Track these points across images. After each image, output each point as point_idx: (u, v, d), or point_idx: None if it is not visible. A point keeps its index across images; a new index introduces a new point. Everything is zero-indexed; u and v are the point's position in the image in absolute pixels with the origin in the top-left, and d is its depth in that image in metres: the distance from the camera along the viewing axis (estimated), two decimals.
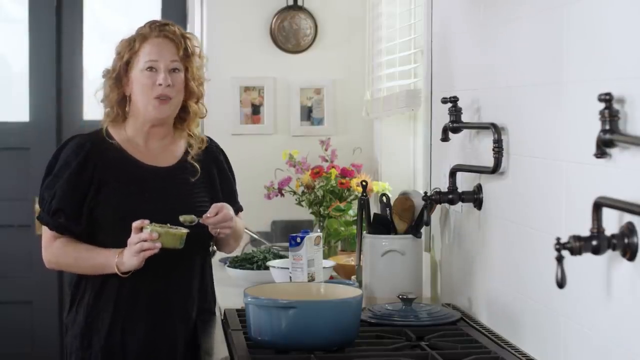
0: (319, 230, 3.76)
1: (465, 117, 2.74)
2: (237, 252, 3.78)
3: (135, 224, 2.60)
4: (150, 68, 2.74)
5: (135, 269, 2.63)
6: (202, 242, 2.83)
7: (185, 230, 2.65)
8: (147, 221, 2.61)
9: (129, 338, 2.72)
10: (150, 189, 2.75)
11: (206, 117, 2.97)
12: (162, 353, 2.75)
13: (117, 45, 2.83)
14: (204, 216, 2.69)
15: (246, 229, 3.90)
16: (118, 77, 2.78)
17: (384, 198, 3.09)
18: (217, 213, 2.70)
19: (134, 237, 2.61)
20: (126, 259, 2.63)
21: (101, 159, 2.76)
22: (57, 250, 2.74)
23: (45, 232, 2.77)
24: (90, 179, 2.73)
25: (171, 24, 2.82)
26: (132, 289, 2.72)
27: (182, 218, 2.68)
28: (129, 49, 2.77)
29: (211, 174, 2.89)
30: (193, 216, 2.69)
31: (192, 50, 2.81)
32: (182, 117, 2.86)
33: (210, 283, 2.91)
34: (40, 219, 2.77)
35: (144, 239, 2.59)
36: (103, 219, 2.73)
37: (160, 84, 2.73)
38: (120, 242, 2.66)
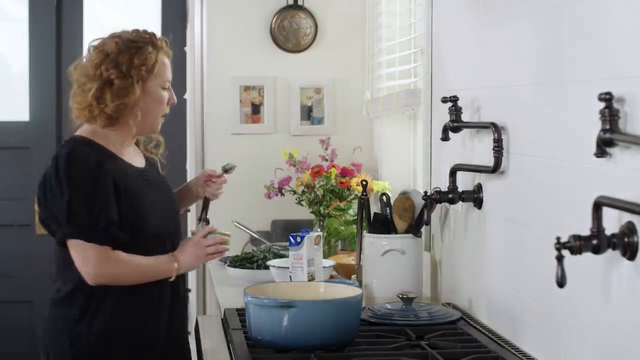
0: (319, 230, 3.76)
1: (465, 117, 2.74)
2: (237, 252, 3.80)
3: (205, 230, 2.83)
4: (166, 87, 2.81)
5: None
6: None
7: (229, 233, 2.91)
8: (214, 227, 2.85)
9: (154, 336, 2.76)
10: (151, 189, 2.81)
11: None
12: (182, 342, 2.85)
13: (133, 50, 2.75)
14: (219, 175, 3.08)
15: (246, 228, 3.91)
16: (132, 85, 2.73)
17: (384, 197, 3.09)
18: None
19: (208, 241, 2.79)
20: (190, 261, 2.78)
21: (113, 166, 2.74)
22: (116, 264, 2.67)
23: (93, 249, 2.64)
24: (115, 187, 2.69)
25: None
26: (160, 289, 2.77)
27: (227, 165, 3.12)
28: (154, 60, 2.76)
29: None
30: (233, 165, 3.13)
31: None
32: None
33: None
34: (82, 236, 2.65)
35: (219, 241, 2.82)
36: (129, 224, 2.70)
37: (173, 103, 2.84)
38: (142, 244, 2.71)
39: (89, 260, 2.65)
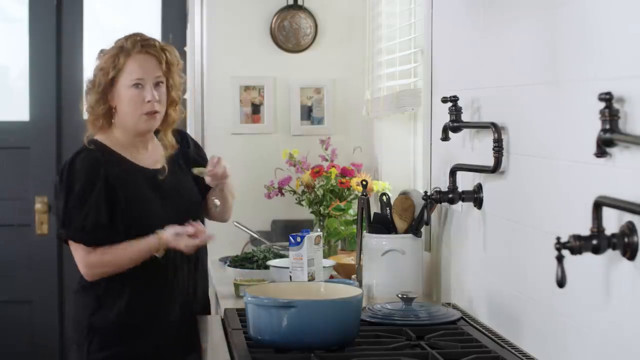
0: (319, 230, 3.76)
1: (465, 117, 2.74)
2: (237, 252, 3.80)
3: (194, 228, 2.89)
4: (137, 85, 2.89)
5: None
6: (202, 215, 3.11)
7: None
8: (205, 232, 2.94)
9: (164, 322, 2.91)
10: (162, 192, 2.94)
11: (182, 117, 3.15)
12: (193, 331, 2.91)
13: (98, 57, 2.95)
14: (209, 170, 2.96)
15: (246, 228, 3.91)
16: (104, 91, 2.90)
17: (384, 197, 3.09)
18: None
19: (187, 240, 2.86)
20: (171, 238, 2.84)
21: (117, 171, 2.89)
22: (100, 263, 2.85)
23: (80, 250, 2.85)
24: (115, 195, 2.85)
25: (151, 39, 2.95)
26: (167, 281, 2.92)
27: (196, 170, 2.98)
28: (113, 66, 2.88)
29: (189, 163, 3.07)
30: (205, 168, 2.98)
31: (171, 62, 2.96)
32: (162, 120, 3.01)
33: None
34: (71, 238, 2.86)
35: (194, 245, 2.89)
36: (133, 228, 2.86)
37: (149, 101, 2.88)
38: None
39: (79, 260, 2.87)
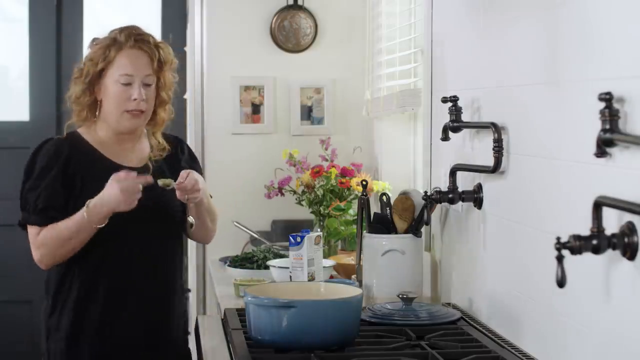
0: (319, 230, 3.76)
1: (465, 117, 2.75)
2: (237, 252, 3.80)
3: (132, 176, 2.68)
4: (125, 81, 2.77)
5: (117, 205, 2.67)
6: (175, 227, 2.91)
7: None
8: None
9: (119, 332, 2.78)
10: None
11: (172, 118, 2.99)
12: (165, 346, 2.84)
13: (90, 46, 2.85)
14: (177, 181, 2.74)
15: (246, 228, 3.91)
16: (91, 82, 2.80)
17: (384, 197, 3.09)
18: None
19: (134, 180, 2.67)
20: (106, 195, 2.67)
21: (80, 162, 2.79)
22: (44, 241, 2.74)
23: (32, 232, 2.78)
24: (72, 182, 2.76)
25: (146, 34, 2.84)
26: (119, 288, 2.79)
27: (160, 182, 2.74)
28: (104, 57, 2.78)
29: (178, 171, 2.83)
30: (171, 180, 2.76)
31: (164, 60, 2.84)
32: (151, 120, 2.90)
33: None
34: (25, 220, 2.79)
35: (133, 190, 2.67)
36: None
37: (135, 99, 2.77)
38: (103, 239, 2.73)
39: (31, 243, 2.77)
